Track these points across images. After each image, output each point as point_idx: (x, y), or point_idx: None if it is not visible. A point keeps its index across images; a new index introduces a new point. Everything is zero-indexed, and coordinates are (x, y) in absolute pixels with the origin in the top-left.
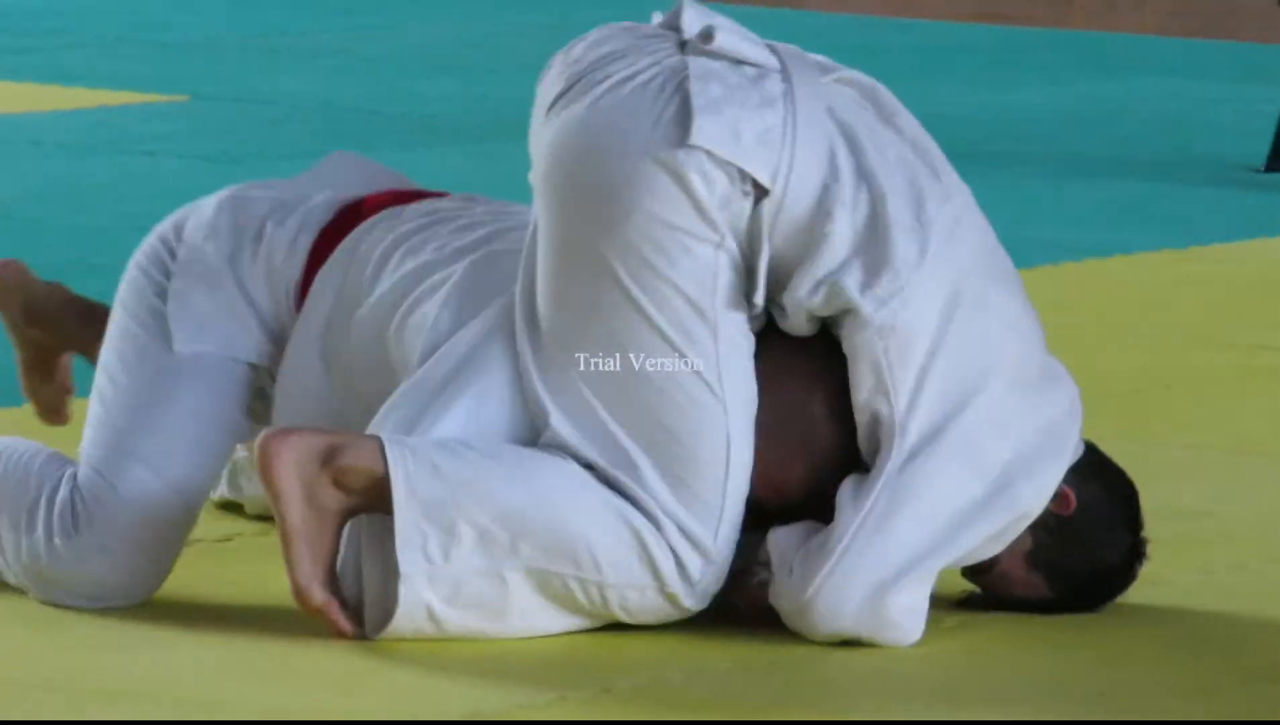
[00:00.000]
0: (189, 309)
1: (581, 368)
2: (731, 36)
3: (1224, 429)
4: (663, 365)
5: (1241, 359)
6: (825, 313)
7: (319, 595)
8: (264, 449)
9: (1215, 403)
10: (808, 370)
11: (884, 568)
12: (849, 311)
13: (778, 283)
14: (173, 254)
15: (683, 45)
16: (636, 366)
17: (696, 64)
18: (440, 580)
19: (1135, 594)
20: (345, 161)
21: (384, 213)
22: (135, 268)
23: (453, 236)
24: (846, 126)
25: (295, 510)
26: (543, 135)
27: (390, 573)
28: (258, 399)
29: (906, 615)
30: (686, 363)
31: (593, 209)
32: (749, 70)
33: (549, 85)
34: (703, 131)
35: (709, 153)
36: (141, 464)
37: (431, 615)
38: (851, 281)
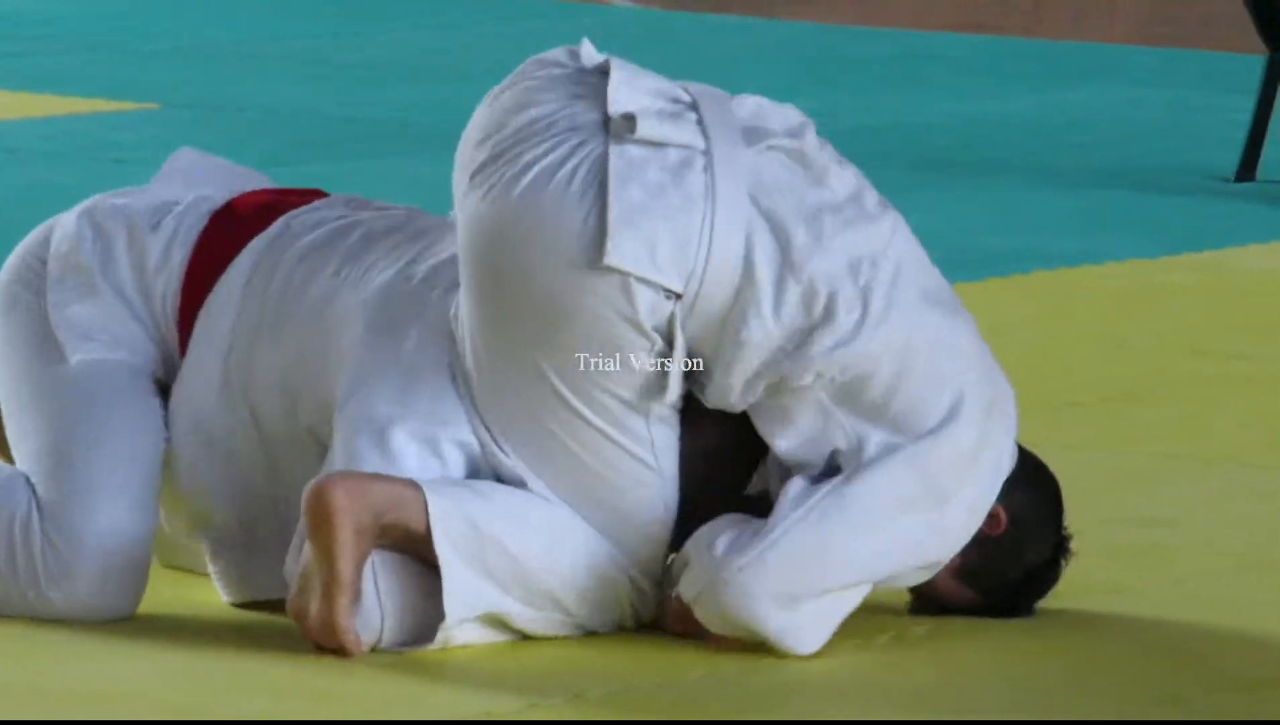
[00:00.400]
0: (72, 319)
1: (519, 450)
2: (653, 122)
3: (1197, 437)
4: (602, 456)
5: (1214, 367)
6: (763, 397)
7: (353, 641)
8: (323, 498)
9: (1188, 410)
10: (714, 415)
11: (810, 570)
12: (792, 388)
13: (699, 369)
14: (42, 268)
15: (606, 121)
16: (576, 454)
17: (618, 158)
18: (469, 623)
19: (1106, 602)
20: (195, 161)
21: (275, 228)
22: (9, 283)
23: (354, 257)
24: (772, 214)
25: (349, 563)
26: (465, 205)
27: (415, 601)
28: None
29: (815, 623)
30: (625, 451)
31: (523, 318)
32: (672, 156)
33: (472, 147)
34: (618, 251)
35: (619, 270)
36: (99, 494)
37: (449, 640)
38: (794, 369)
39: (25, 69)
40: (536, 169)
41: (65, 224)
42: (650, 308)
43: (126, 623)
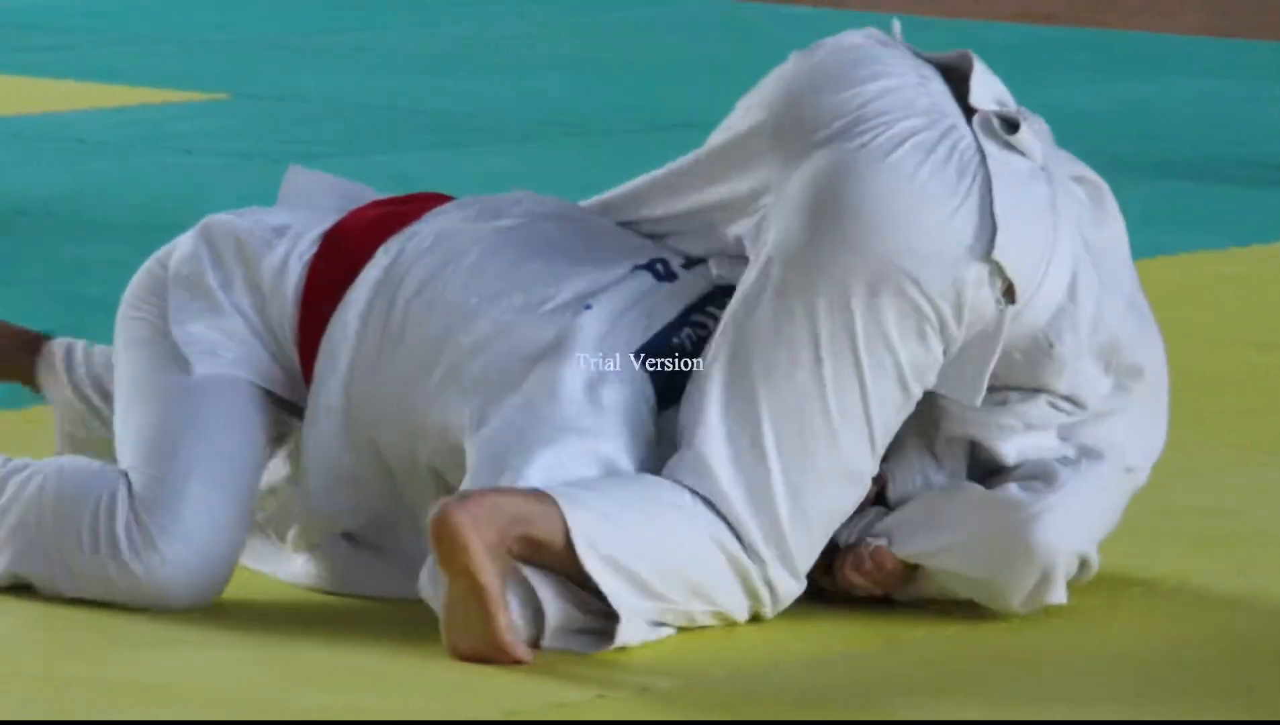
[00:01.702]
0: (195, 337)
1: (765, 412)
2: (1024, 131)
3: (1260, 429)
4: (845, 435)
5: (1278, 359)
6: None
7: (523, 651)
8: (448, 523)
9: (1251, 402)
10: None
11: (1090, 521)
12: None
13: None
14: (165, 287)
15: (968, 112)
16: (819, 424)
17: (995, 158)
18: (634, 622)
19: (1170, 593)
20: (308, 180)
21: (387, 257)
22: (134, 301)
23: (472, 283)
24: (1089, 243)
25: (492, 576)
26: (817, 156)
27: (569, 607)
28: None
29: (1082, 572)
30: (868, 433)
31: (858, 262)
32: (1023, 166)
33: (813, 100)
34: (1004, 249)
35: (999, 265)
36: (194, 479)
37: (624, 641)
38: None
39: (95, 60)
40: (912, 141)
41: (183, 244)
42: (982, 304)
43: (192, 615)
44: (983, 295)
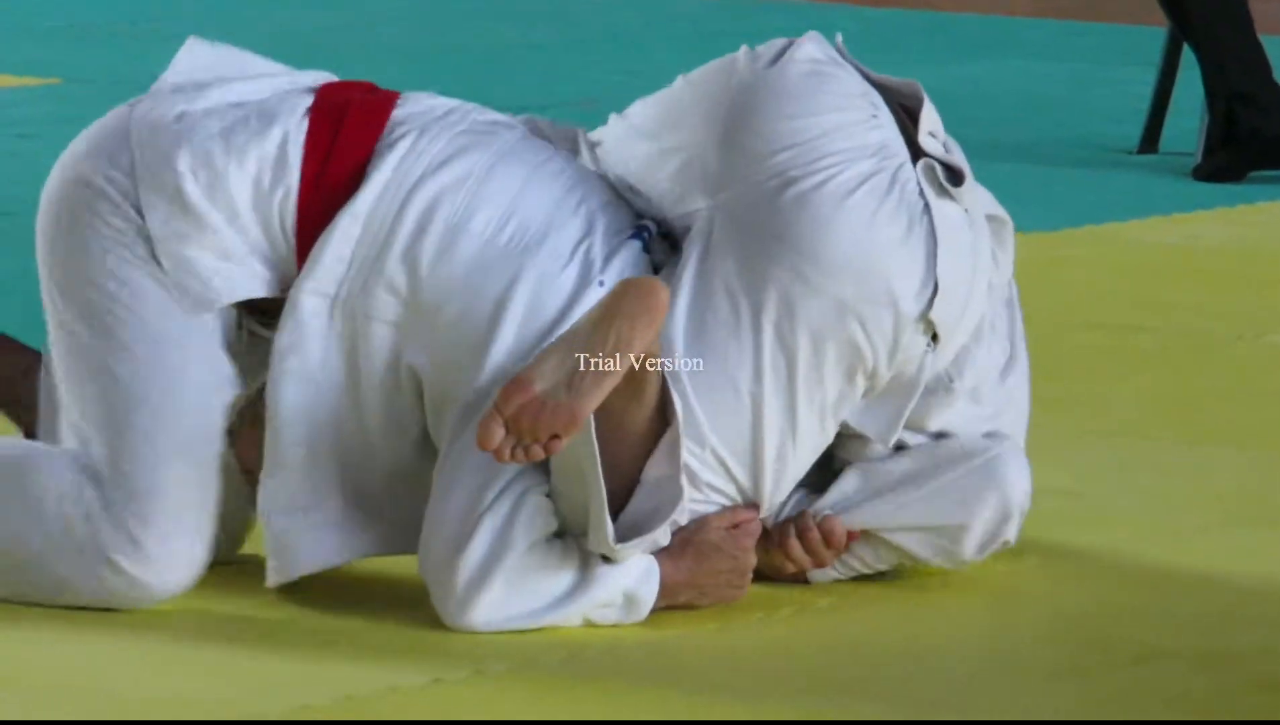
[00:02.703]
0: (186, 264)
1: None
2: (967, 186)
3: (1096, 410)
4: (775, 425)
5: (1115, 340)
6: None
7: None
8: (658, 292)
9: (1087, 384)
10: None
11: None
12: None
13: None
14: (125, 197)
15: (912, 147)
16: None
17: (937, 208)
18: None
19: (1007, 572)
20: (218, 53)
21: (398, 150)
22: (87, 228)
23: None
24: (991, 284)
25: (629, 363)
26: (755, 188)
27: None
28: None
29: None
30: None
31: (812, 300)
32: (958, 216)
33: (774, 130)
34: (940, 302)
35: (932, 322)
36: (176, 461)
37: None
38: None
39: None
40: (869, 185)
41: (145, 143)
42: (913, 348)
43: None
44: (915, 341)
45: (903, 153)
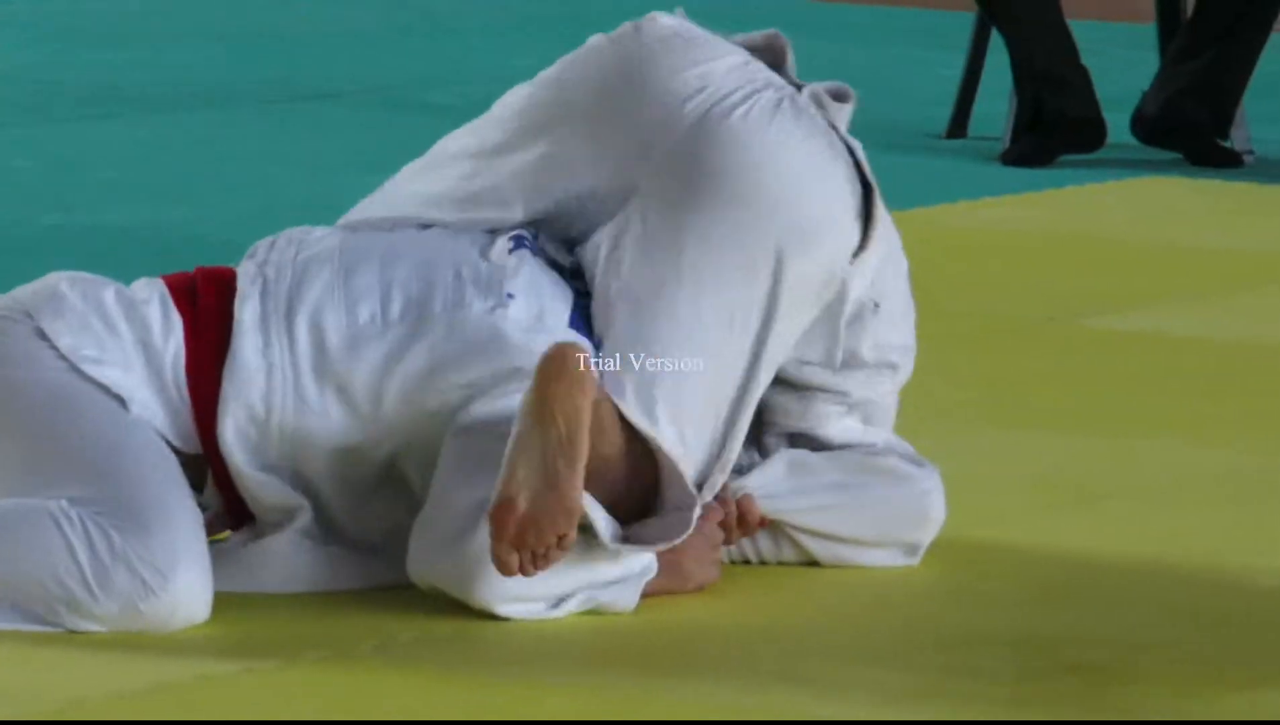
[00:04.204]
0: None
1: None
2: (849, 106)
3: (909, 394)
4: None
5: (927, 325)
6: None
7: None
8: (570, 357)
9: (922, 373)
10: None
11: None
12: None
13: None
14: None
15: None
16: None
17: (843, 128)
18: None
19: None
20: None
21: (250, 284)
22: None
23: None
24: None
25: (586, 435)
26: (681, 139)
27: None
28: None
29: None
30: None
31: (763, 233)
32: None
33: (668, 87)
34: (877, 209)
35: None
36: (166, 497)
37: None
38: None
39: None
40: (783, 108)
41: (65, 305)
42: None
43: None
44: (847, 258)
45: (789, 85)
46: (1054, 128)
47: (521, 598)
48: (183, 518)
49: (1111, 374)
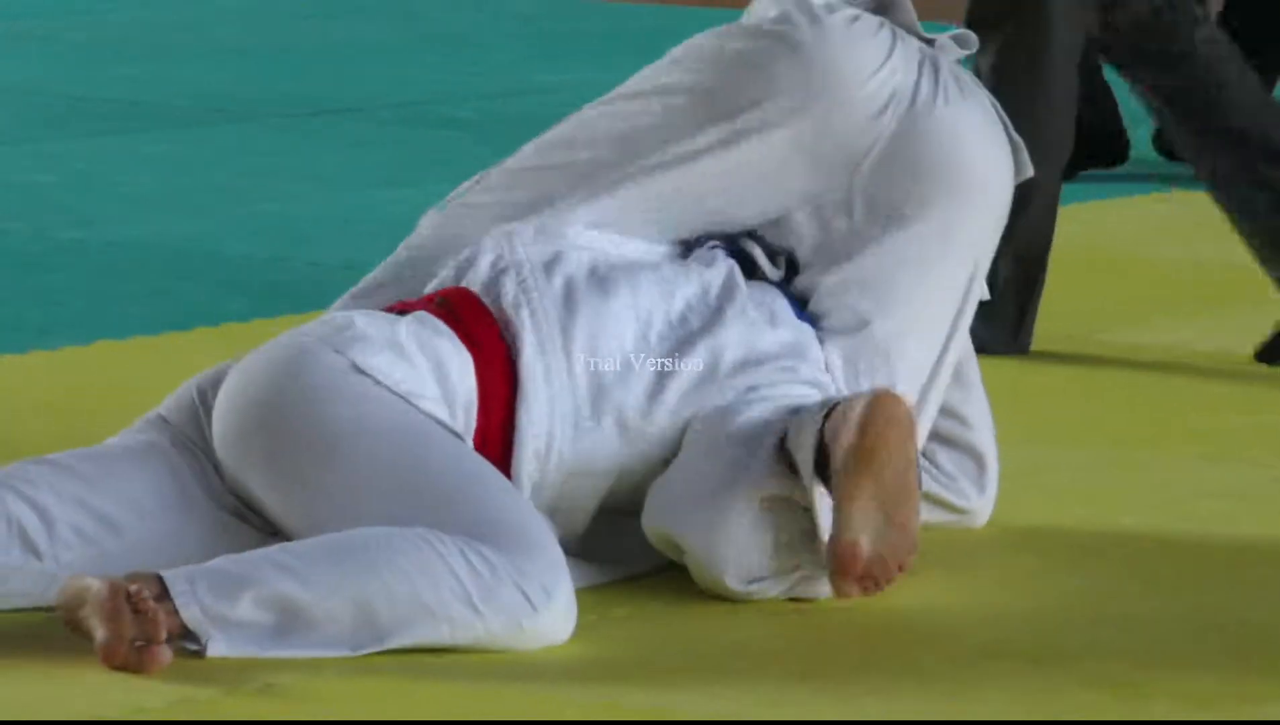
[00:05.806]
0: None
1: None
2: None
3: None
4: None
5: None
6: None
7: None
8: (905, 409)
9: None
10: None
11: None
12: None
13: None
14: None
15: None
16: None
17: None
18: None
19: None
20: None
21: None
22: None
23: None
24: None
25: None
26: (905, 139)
27: None
28: None
29: None
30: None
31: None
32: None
33: (867, 93)
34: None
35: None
36: (535, 522)
37: None
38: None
39: None
40: (951, 83)
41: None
42: None
43: None
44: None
45: (929, 47)
46: (1077, 142)
47: (756, 577)
48: (553, 538)
49: (1130, 388)
